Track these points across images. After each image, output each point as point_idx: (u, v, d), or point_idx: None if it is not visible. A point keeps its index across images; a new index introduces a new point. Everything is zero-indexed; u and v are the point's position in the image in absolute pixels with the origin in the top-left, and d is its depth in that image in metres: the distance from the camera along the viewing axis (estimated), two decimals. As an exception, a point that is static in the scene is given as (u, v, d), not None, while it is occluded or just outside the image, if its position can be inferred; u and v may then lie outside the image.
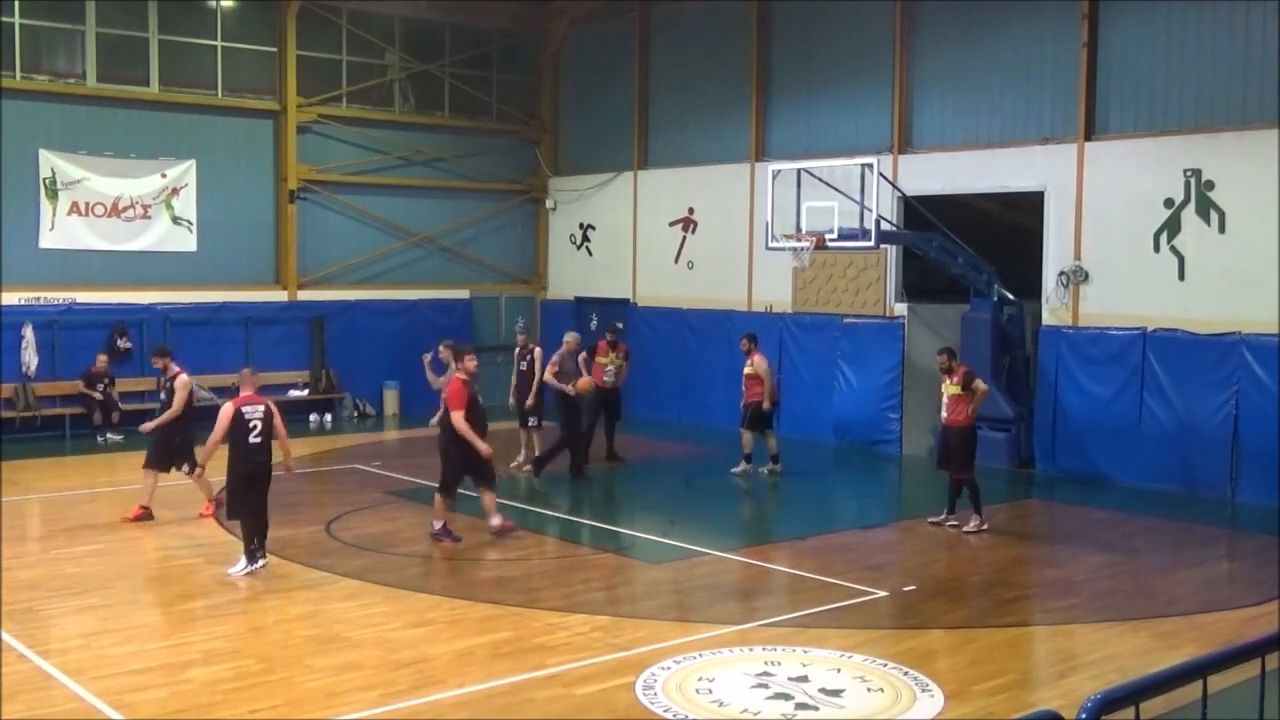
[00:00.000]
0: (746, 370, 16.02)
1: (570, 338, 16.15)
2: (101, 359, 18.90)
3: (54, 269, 19.29)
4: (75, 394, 18.87)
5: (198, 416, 13.30)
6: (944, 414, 13.04)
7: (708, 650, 8.60)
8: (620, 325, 19.92)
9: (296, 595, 10.31)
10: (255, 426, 10.70)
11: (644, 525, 13.26)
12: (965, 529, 12.76)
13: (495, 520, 12.16)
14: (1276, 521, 13.08)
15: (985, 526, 12.78)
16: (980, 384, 12.98)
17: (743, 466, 15.99)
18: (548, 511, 14.17)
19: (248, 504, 10.72)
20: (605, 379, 16.60)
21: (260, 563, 10.74)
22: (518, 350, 16.58)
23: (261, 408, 10.83)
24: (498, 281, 24.13)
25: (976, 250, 16.81)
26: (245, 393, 11.02)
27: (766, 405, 15.85)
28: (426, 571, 11.02)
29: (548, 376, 15.56)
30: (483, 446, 11.86)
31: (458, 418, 11.78)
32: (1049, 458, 16.47)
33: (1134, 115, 15.96)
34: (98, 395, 18.79)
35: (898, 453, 17.91)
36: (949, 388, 12.93)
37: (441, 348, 14.87)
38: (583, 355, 16.49)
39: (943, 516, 13.05)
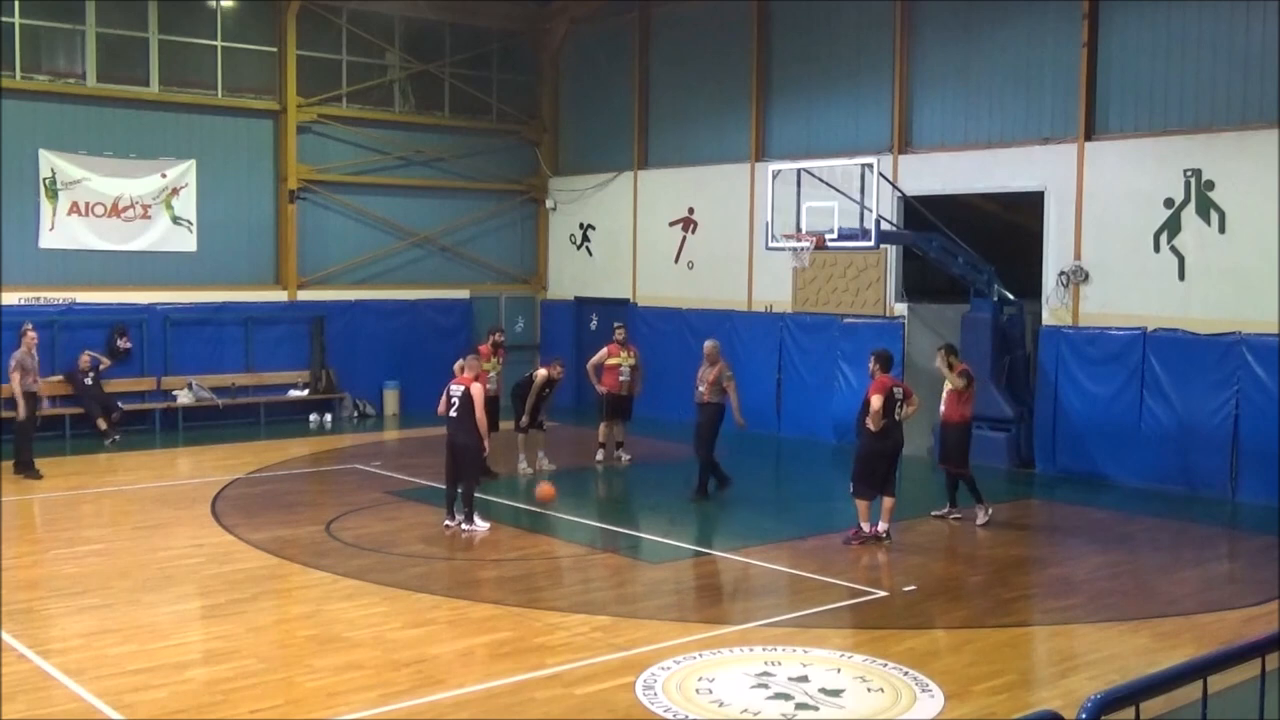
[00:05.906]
0: (611, 361, 16.66)
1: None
2: (84, 358, 18.67)
3: (54, 269, 19.28)
4: (74, 395, 18.82)
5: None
6: (941, 409, 13.29)
7: (708, 650, 8.59)
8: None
9: (296, 595, 10.33)
10: (454, 403, 12.26)
11: (644, 525, 13.26)
12: (977, 523, 12.97)
13: (881, 525, 12.11)
14: (1276, 521, 13.08)
15: (990, 513, 13.05)
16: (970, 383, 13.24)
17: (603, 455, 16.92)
18: (548, 511, 14.17)
19: (449, 470, 12.45)
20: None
21: (465, 524, 12.26)
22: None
23: (462, 388, 12.24)
24: (498, 281, 24.13)
25: (976, 250, 16.79)
26: (463, 375, 12.51)
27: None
28: (426, 571, 11.01)
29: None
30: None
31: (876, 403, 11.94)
32: (1049, 458, 16.47)
33: (1134, 115, 15.96)
34: (88, 380, 18.64)
35: (897, 453, 17.90)
36: (949, 382, 13.15)
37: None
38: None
39: (945, 510, 13.20)
